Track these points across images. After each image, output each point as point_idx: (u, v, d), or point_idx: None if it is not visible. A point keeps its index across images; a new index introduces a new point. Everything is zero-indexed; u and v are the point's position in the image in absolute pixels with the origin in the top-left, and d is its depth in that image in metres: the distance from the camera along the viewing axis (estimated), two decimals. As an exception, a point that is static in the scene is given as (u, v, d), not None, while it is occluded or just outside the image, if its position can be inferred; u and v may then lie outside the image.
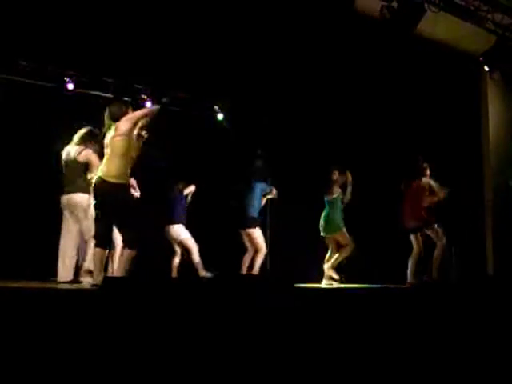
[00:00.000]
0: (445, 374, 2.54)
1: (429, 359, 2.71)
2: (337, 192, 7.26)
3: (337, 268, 7.24)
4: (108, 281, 3.74)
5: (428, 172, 6.96)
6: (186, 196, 7.45)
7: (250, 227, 7.09)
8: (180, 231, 7.27)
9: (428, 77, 7.72)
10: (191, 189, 7.45)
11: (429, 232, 6.84)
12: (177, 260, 7.33)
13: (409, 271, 6.85)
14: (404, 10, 6.63)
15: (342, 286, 7.01)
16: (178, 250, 7.34)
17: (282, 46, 7.25)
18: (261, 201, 7.28)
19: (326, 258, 7.31)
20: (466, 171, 7.49)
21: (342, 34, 7.01)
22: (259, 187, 7.22)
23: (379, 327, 3.44)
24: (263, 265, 7.28)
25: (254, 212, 7.14)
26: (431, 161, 7.09)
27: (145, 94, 7.82)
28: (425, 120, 7.98)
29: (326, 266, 7.23)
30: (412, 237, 6.94)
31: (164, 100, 5.17)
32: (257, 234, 7.13)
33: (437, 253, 6.76)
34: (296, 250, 8.12)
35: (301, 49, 7.32)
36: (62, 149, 5.94)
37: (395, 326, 3.54)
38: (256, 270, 7.06)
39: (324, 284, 7.14)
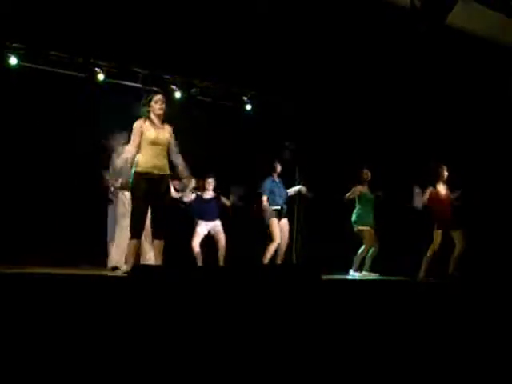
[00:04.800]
0: (448, 371, 2.51)
1: (432, 356, 2.69)
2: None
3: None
4: (137, 269, 3.79)
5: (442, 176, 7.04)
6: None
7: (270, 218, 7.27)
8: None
9: (459, 69, 7.54)
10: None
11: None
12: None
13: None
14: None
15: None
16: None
17: (311, 36, 7.18)
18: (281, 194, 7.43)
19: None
20: (499, 168, 7.33)
21: (371, 23, 6.90)
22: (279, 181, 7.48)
23: (394, 321, 3.42)
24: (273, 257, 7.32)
25: (273, 204, 7.30)
26: (461, 158, 7.08)
27: (173, 85, 7.87)
28: (455, 114, 7.82)
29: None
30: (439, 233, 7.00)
31: None
32: (273, 224, 7.25)
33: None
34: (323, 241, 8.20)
35: (330, 40, 7.23)
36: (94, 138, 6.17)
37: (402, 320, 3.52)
38: (266, 258, 7.15)
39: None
